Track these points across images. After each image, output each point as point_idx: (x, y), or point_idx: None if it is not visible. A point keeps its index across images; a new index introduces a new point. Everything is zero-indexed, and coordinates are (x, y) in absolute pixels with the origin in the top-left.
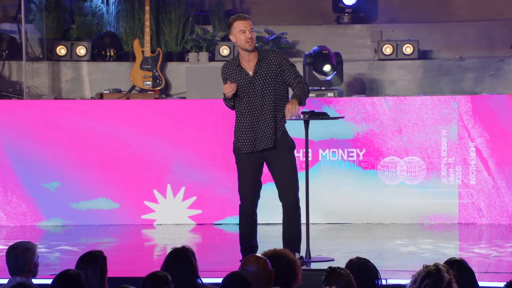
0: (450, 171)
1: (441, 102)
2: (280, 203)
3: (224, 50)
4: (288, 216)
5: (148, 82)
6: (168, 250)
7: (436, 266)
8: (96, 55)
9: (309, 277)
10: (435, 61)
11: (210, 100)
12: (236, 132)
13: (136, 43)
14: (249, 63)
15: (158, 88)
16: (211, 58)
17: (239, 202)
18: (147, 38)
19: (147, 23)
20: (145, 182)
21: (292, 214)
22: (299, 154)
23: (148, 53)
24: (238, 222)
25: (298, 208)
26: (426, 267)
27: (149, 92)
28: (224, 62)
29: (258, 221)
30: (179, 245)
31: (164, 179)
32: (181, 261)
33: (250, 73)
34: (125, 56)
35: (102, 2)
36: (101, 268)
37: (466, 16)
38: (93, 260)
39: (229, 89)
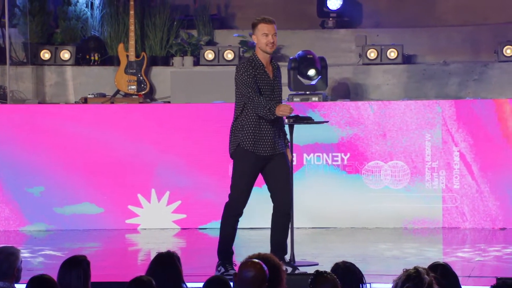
0: (434, 176)
1: (425, 106)
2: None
3: (209, 55)
4: (281, 220)
5: (132, 87)
6: (153, 255)
7: (416, 269)
8: (80, 59)
9: (293, 281)
10: (419, 65)
11: (195, 105)
12: (252, 134)
13: (120, 47)
14: (267, 67)
15: (143, 92)
16: (196, 63)
17: (229, 203)
18: (131, 42)
19: (132, 27)
20: (130, 187)
21: (286, 219)
22: None
23: (132, 58)
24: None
25: (290, 213)
26: (406, 271)
27: (133, 97)
28: (242, 61)
29: (240, 226)
30: (163, 249)
31: (148, 184)
32: (166, 266)
33: (271, 76)
34: (109, 60)
35: (87, 6)
36: (85, 273)
37: (451, 21)
38: (77, 265)
39: (289, 111)
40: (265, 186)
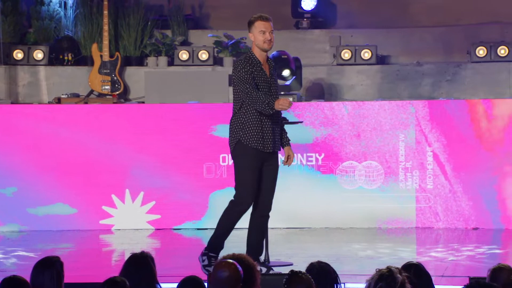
0: (407, 176)
1: (399, 107)
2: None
3: (183, 55)
4: (261, 221)
5: (106, 87)
6: (127, 256)
7: (389, 268)
8: (53, 59)
9: (268, 281)
10: (393, 66)
11: (169, 105)
12: (253, 130)
13: (94, 47)
14: (264, 64)
15: (117, 92)
16: (170, 63)
17: (235, 200)
18: (105, 42)
19: (106, 27)
20: (103, 187)
21: (266, 220)
22: None
23: (106, 58)
24: (235, 224)
25: (269, 215)
26: (379, 270)
27: (107, 97)
28: (239, 59)
29: (214, 226)
30: (137, 250)
31: (122, 184)
32: (140, 267)
33: (268, 74)
34: (83, 60)
35: (60, 6)
36: (58, 274)
37: (424, 22)
38: (50, 266)
39: (288, 105)
40: None
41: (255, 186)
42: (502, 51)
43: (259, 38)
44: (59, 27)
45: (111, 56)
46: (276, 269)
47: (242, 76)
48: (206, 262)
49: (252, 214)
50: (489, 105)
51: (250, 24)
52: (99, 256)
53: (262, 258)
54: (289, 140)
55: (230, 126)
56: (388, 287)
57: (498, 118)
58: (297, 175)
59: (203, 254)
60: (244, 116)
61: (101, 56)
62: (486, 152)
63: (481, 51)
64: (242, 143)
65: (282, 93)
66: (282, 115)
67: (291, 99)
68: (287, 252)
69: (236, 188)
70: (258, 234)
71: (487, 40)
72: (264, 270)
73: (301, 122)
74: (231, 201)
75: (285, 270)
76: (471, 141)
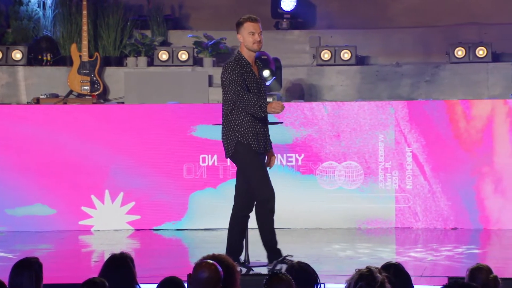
0: (387, 176)
1: (378, 107)
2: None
3: (163, 55)
4: (243, 221)
5: (85, 87)
6: (106, 256)
7: (368, 268)
8: (32, 60)
9: (248, 282)
10: (372, 67)
11: (149, 105)
12: (250, 132)
13: (73, 47)
14: (253, 65)
15: (96, 93)
16: (150, 63)
17: (260, 199)
18: (84, 42)
19: (85, 27)
20: (83, 188)
21: (248, 220)
22: None
23: (85, 58)
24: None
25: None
26: (358, 270)
27: (86, 97)
28: (229, 61)
29: (194, 227)
30: (117, 251)
31: (102, 185)
32: (119, 267)
33: (257, 75)
34: (62, 60)
35: (39, 6)
36: (37, 275)
37: (404, 23)
38: (29, 267)
39: (280, 109)
40: (220, 187)
41: (269, 179)
42: (481, 52)
43: (248, 39)
44: (37, 27)
45: (90, 56)
46: (256, 270)
47: (233, 78)
48: (282, 264)
49: (234, 214)
50: (467, 105)
51: (239, 25)
52: (79, 257)
53: (242, 258)
54: (271, 142)
55: (223, 128)
56: (368, 287)
57: (477, 118)
58: (277, 175)
59: (276, 263)
60: (238, 118)
61: (80, 56)
62: (465, 152)
63: (459, 52)
64: (243, 142)
65: None
66: None
67: (277, 102)
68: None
69: (255, 189)
70: (240, 234)
71: (466, 41)
72: (244, 270)
73: (281, 122)
74: (258, 203)
75: (265, 270)
76: (450, 141)
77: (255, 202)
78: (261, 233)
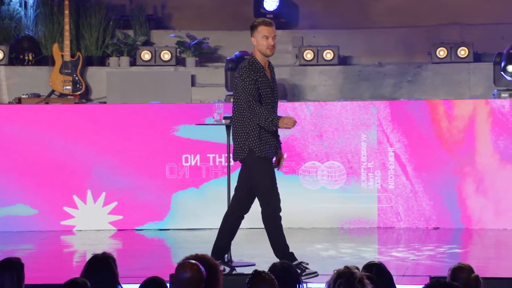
0: (369, 176)
1: (361, 107)
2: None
3: (146, 55)
4: (238, 222)
5: (67, 87)
6: (88, 257)
7: (346, 266)
8: (14, 59)
9: (231, 281)
10: (355, 67)
11: (131, 105)
12: (261, 138)
13: (55, 47)
14: (266, 68)
15: (78, 92)
16: (132, 63)
17: (269, 208)
18: (66, 42)
19: (67, 27)
20: (65, 188)
21: (241, 221)
22: (221, 159)
23: (67, 58)
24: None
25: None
26: (337, 270)
27: (69, 97)
28: (243, 65)
29: (177, 227)
30: (99, 251)
31: (84, 185)
32: (101, 268)
33: (270, 78)
34: (44, 60)
35: (20, 6)
36: (18, 276)
37: (386, 23)
38: (10, 267)
39: (292, 125)
40: (203, 187)
41: (276, 187)
42: (462, 52)
43: (262, 43)
44: (19, 26)
45: (72, 56)
46: (239, 269)
47: (247, 86)
48: (303, 269)
49: (231, 214)
50: (449, 105)
51: (253, 28)
52: (60, 257)
53: (226, 257)
54: (280, 143)
55: (233, 131)
56: (347, 283)
57: (459, 118)
58: None
59: (299, 269)
60: (249, 125)
61: (62, 56)
62: (447, 152)
63: (441, 52)
64: (253, 150)
65: None
66: None
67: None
68: (250, 253)
69: (264, 196)
70: (231, 234)
71: (448, 41)
72: (227, 269)
73: None
74: (267, 213)
75: (248, 270)
76: (432, 141)
77: (262, 210)
78: (270, 240)
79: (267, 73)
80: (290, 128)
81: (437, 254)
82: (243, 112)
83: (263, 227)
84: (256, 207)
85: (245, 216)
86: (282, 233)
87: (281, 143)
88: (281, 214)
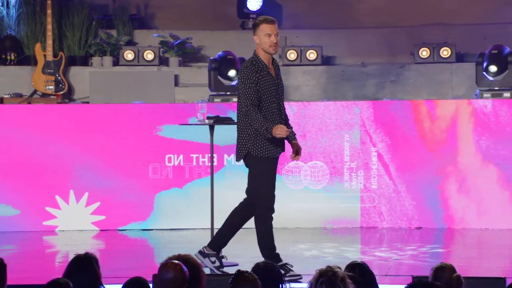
0: (352, 176)
1: (344, 107)
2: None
3: (129, 55)
4: (248, 219)
5: (50, 87)
6: (71, 257)
7: (328, 265)
8: None
9: (214, 282)
10: (338, 67)
11: (114, 105)
12: (262, 139)
13: (38, 47)
14: (269, 66)
15: (61, 92)
16: (115, 63)
17: (259, 208)
18: (49, 42)
19: (49, 26)
20: (47, 188)
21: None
22: (204, 159)
23: (50, 57)
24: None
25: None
26: (319, 270)
27: (51, 97)
28: (245, 64)
29: (160, 227)
30: (82, 251)
31: (66, 185)
32: (83, 268)
33: (274, 76)
34: (26, 60)
35: (2, 5)
36: (1, 276)
37: (369, 23)
38: None
39: (285, 133)
40: (186, 187)
41: (273, 189)
42: (445, 52)
43: (264, 41)
44: (1, 26)
45: (55, 55)
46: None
47: (247, 90)
48: (288, 274)
49: (247, 211)
50: (432, 105)
51: (255, 26)
52: (43, 258)
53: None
54: (295, 134)
55: (238, 130)
56: (329, 282)
57: (441, 118)
58: (243, 175)
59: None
60: (250, 125)
61: (44, 55)
62: (429, 152)
63: (424, 52)
64: (252, 154)
65: (228, 93)
66: (228, 116)
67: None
68: (233, 252)
69: (258, 198)
70: (233, 230)
71: (430, 41)
72: (214, 269)
73: None
74: (258, 212)
75: (231, 270)
76: (414, 141)
77: (257, 208)
78: (258, 239)
79: (271, 71)
80: (283, 136)
81: (419, 253)
82: (246, 112)
83: (248, 227)
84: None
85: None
86: (271, 234)
87: (295, 134)
88: (273, 215)
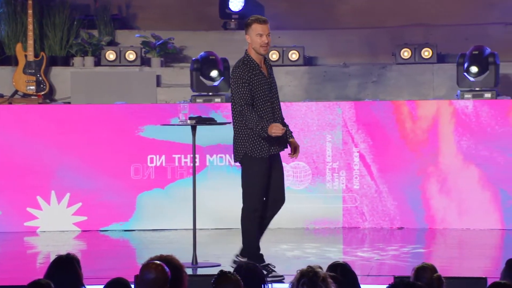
0: (334, 176)
1: (326, 108)
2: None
3: (110, 55)
4: (268, 221)
5: (31, 87)
6: (52, 258)
7: (309, 266)
8: None
9: (196, 282)
10: (320, 67)
11: (96, 105)
12: (257, 140)
13: (18, 47)
14: (261, 65)
15: (42, 93)
16: (97, 63)
17: (243, 206)
18: (30, 42)
19: (30, 26)
20: (28, 189)
21: (272, 217)
22: (186, 160)
23: (31, 57)
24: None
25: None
26: (300, 270)
27: (32, 97)
28: (236, 64)
29: (142, 227)
30: (63, 252)
31: (48, 186)
32: (65, 269)
33: (266, 75)
34: (7, 60)
35: None
36: None
37: (350, 24)
38: None
39: (280, 132)
40: (168, 188)
41: (261, 190)
42: (426, 53)
43: (256, 41)
44: None
45: (36, 56)
46: (204, 270)
47: (239, 89)
48: (268, 273)
49: (261, 216)
50: (413, 106)
51: (247, 26)
52: (24, 259)
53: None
54: (291, 132)
55: (234, 131)
56: (310, 282)
57: (422, 119)
58: (226, 176)
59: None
60: (245, 126)
61: (25, 56)
62: (411, 152)
63: (405, 53)
64: (249, 155)
65: (210, 93)
66: (210, 116)
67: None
68: (215, 253)
69: (246, 197)
70: (260, 233)
71: (411, 42)
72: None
73: (229, 123)
74: (245, 212)
75: (214, 271)
76: (396, 141)
77: (242, 207)
78: (243, 239)
79: (263, 70)
80: (278, 135)
81: (401, 254)
82: (240, 112)
83: (229, 227)
84: (218, 208)
85: (268, 214)
86: (256, 234)
87: (292, 132)
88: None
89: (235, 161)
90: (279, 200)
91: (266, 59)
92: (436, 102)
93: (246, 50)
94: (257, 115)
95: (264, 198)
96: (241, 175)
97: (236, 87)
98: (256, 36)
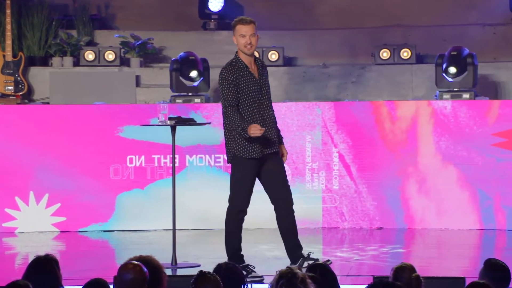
0: (314, 176)
1: (306, 108)
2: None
3: (89, 55)
4: (288, 219)
5: (9, 87)
6: (31, 259)
7: (288, 266)
8: None
9: (175, 283)
10: (299, 68)
11: (75, 106)
12: (245, 141)
13: None
14: (251, 66)
15: (20, 93)
16: (76, 63)
17: (228, 206)
18: (8, 42)
19: (8, 26)
20: (7, 189)
21: (291, 214)
22: (166, 160)
23: (9, 58)
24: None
25: (293, 209)
26: (279, 271)
27: (10, 97)
28: (224, 65)
29: (121, 228)
30: (42, 253)
31: (26, 186)
32: (43, 270)
33: (256, 76)
34: None
35: None
36: None
37: (330, 24)
38: None
39: (259, 132)
40: (148, 188)
41: (248, 192)
42: (405, 53)
43: (239, 41)
44: None
45: (14, 56)
46: (184, 271)
47: (224, 91)
48: (247, 273)
49: (276, 215)
50: (392, 106)
51: (233, 27)
52: (2, 260)
53: (304, 252)
54: (282, 138)
55: (225, 133)
56: (289, 283)
57: (402, 119)
58: (205, 176)
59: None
60: (231, 127)
61: (4, 56)
62: (390, 152)
63: (384, 54)
64: (238, 156)
65: (190, 94)
66: (190, 117)
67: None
68: (194, 253)
69: (231, 198)
70: (292, 231)
71: (391, 42)
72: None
73: (209, 123)
74: (229, 213)
75: (193, 271)
76: (375, 142)
77: (228, 207)
78: (226, 238)
79: (253, 71)
80: (257, 135)
81: (380, 254)
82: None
83: (209, 227)
84: (198, 208)
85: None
86: (239, 235)
87: (282, 137)
88: (245, 217)
89: (228, 163)
90: (282, 198)
91: (257, 60)
92: (415, 102)
93: (236, 51)
94: (239, 116)
95: (271, 200)
96: (230, 174)
97: (221, 88)
98: (239, 37)
